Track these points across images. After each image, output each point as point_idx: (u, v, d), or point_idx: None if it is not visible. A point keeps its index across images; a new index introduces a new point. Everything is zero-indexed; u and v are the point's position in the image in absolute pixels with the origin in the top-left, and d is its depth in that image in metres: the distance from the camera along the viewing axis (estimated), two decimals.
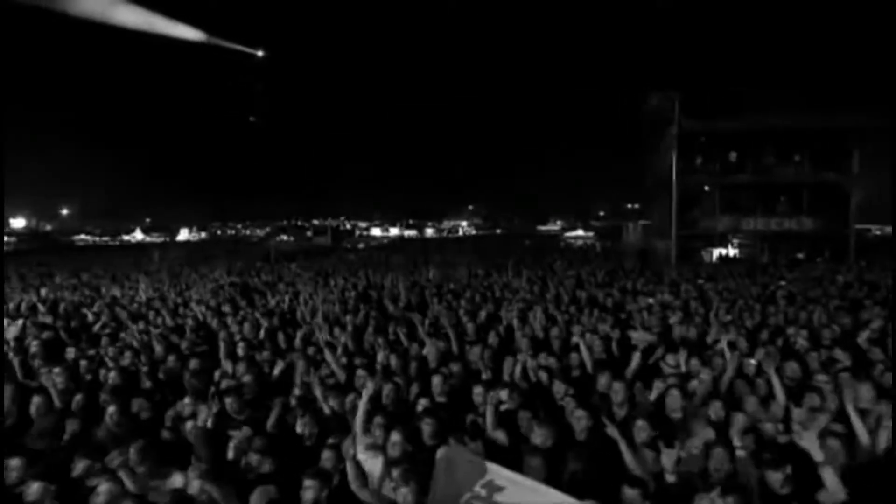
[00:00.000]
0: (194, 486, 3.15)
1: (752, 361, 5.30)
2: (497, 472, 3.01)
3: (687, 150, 23.49)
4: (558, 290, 10.43)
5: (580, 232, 63.51)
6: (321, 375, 5.05)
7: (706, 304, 8.80)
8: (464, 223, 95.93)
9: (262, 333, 7.07)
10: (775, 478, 2.95)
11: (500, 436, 3.83)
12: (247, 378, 5.04)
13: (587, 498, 2.86)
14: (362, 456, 3.47)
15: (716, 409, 4.01)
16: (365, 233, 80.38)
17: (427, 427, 3.75)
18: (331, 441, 3.47)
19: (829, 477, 2.89)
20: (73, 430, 4.11)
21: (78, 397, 4.70)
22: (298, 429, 3.99)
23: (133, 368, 5.71)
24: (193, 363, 5.59)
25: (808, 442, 3.00)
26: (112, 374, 5.30)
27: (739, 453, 3.48)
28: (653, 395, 4.44)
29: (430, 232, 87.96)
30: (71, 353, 6.35)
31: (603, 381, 4.64)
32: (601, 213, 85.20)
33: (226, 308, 9.06)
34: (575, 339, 5.86)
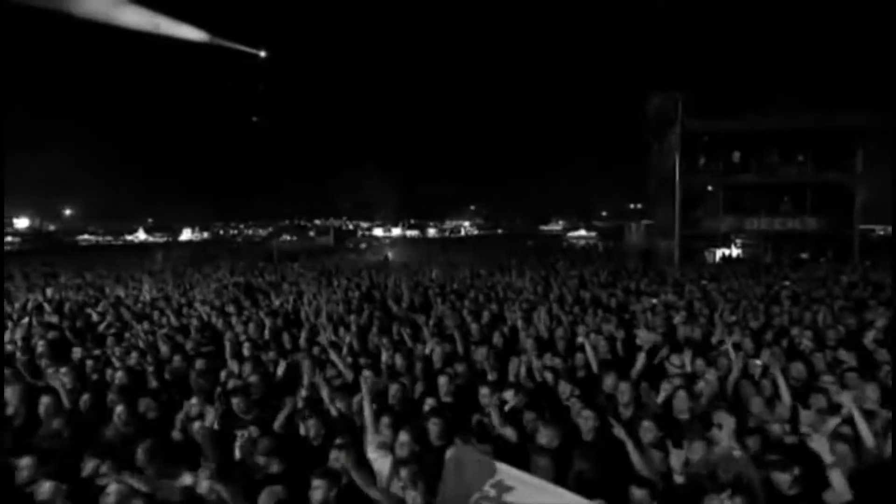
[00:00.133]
0: (203, 485, 3.16)
1: (758, 362, 5.30)
2: (506, 472, 3.02)
3: (690, 149, 23.44)
4: (561, 290, 10.44)
5: (583, 232, 63.42)
6: (328, 377, 5.07)
7: (710, 304, 8.80)
8: (466, 223, 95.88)
9: (266, 333, 7.11)
10: (783, 479, 2.96)
11: (509, 433, 3.84)
12: (253, 378, 5.07)
13: (595, 498, 2.86)
14: (372, 455, 3.49)
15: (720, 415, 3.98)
16: (367, 233, 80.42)
17: (434, 427, 3.77)
18: (339, 441, 3.48)
19: (837, 478, 2.90)
20: (81, 430, 4.13)
21: (85, 397, 4.74)
22: (303, 431, 4.01)
23: (139, 368, 5.74)
24: (199, 363, 5.62)
25: (819, 445, 3.01)
26: (119, 374, 5.32)
27: (737, 454, 3.47)
28: (660, 398, 4.43)
29: (432, 232, 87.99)
30: (77, 353, 6.38)
31: (609, 381, 4.65)
32: (604, 213, 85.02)
33: (230, 308, 9.10)
34: (580, 339, 5.87)
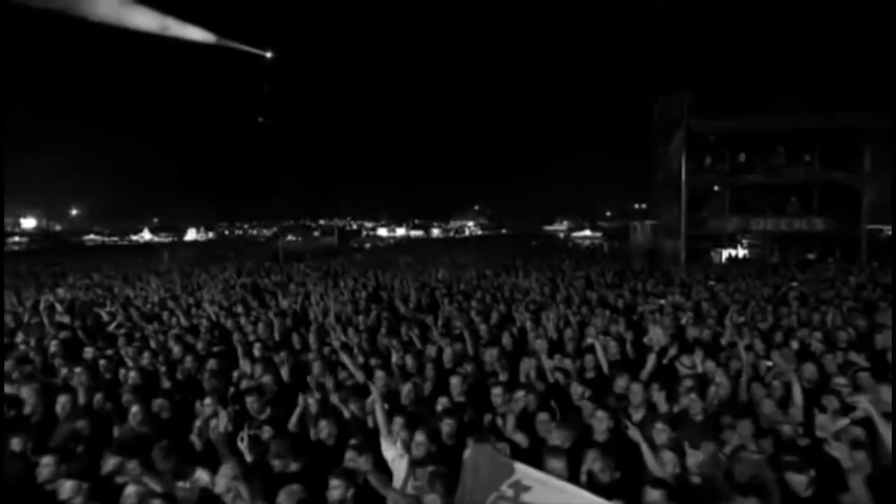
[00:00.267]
0: (220, 484, 3.18)
1: (769, 364, 5.29)
2: (524, 472, 3.02)
3: (696, 150, 23.36)
4: (568, 291, 10.43)
5: (587, 232, 63.30)
6: (339, 380, 5.09)
7: (718, 305, 8.77)
8: (470, 223, 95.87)
9: (276, 334, 7.14)
10: (799, 480, 2.96)
11: (520, 439, 3.86)
12: (266, 378, 5.10)
13: (611, 499, 2.87)
14: (388, 455, 3.51)
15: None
16: (371, 233, 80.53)
17: (447, 427, 3.79)
18: (354, 442, 3.50)
19: (857, 484, 2.91)
20: (98, 429, 4.17)
21: (98, 396, 4.78)
22: (313, 435, 4.02)
23: (152, 368, 5.78)
24: (211, 363, 5.65)
25: (839, 451, 3.02)
26: (132, 374, 5.36)
27: (748, 455, 3.47)
28: (677, 407, 4.42)
29: (436, 232, 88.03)
30: (89, 352, 6.43)
31: (621, 382, 4.66)
32: (608, 213, 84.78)
33: (238, 308, 9.14)
34: (590, 340, 5.87)
